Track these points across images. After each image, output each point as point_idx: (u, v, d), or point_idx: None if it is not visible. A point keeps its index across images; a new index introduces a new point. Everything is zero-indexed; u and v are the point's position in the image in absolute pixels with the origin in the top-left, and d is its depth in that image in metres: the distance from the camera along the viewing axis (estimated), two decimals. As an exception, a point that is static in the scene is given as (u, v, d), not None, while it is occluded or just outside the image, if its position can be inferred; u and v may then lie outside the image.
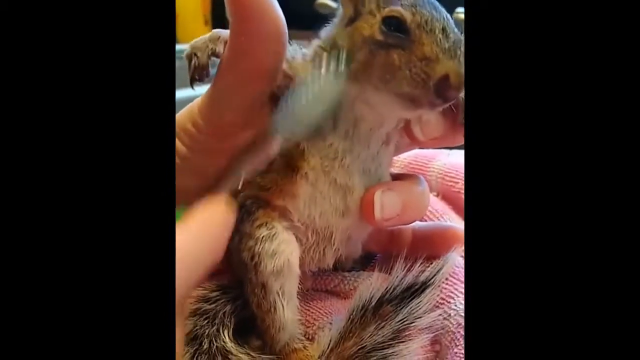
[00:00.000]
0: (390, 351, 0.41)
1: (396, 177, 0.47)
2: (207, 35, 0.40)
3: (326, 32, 0.42)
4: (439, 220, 0.54)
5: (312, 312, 0.47)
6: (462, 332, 0.42)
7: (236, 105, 0.39)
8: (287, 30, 0.37)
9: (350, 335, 0.42)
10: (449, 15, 0.38)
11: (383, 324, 0.42)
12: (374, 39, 0.37)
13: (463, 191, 0.57)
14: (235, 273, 0.44)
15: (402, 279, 0.44)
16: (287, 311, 0.42)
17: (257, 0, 0.35)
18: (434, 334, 0.43)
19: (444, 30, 0.37)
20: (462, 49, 0.37)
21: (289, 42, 0.40)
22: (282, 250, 0.41)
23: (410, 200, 0.44)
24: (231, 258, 0.42)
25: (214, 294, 0.45)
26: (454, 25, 0.38)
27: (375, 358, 0.41)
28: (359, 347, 0.41)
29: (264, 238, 0.41)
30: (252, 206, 0.42)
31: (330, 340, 0.42)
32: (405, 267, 0.47)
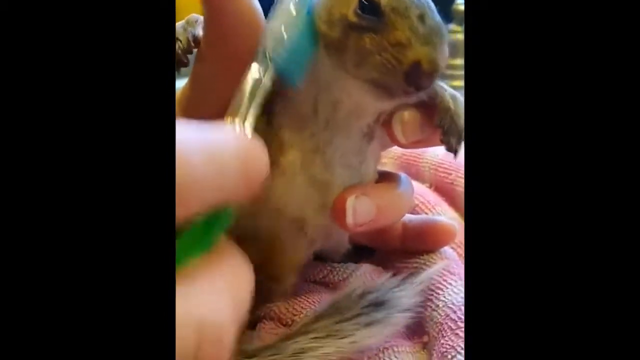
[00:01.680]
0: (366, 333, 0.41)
1: (382, 175, 0.46)
2: (184, 20, 0.40)
3: None
4: (431, 212, 0.54)
5: (300, 302, 0.47)
6: (450, 324, 0.42)
7: (214, 95, 0.38)
8: (262, 13, 0.36)
9: (327, 317, 0.42)
10: (431, 3, 0.37)
11: (364, 310, 0.42)
12: (348, 20, 0.36)
13: (456, 182, 0.57)
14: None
15: (392, 271, 0.44)
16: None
17: None
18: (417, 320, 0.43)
19: (421, 16, 0.35)
20: (443, 37, 0.36)
21: None
22: None
23: (385, 204, 0.43)
24: None
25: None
26: (435, 13, 0.37)
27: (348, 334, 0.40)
28: (335, 322, 0.41)
29: None
30: None
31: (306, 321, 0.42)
32: (396, 260, 0.47)
